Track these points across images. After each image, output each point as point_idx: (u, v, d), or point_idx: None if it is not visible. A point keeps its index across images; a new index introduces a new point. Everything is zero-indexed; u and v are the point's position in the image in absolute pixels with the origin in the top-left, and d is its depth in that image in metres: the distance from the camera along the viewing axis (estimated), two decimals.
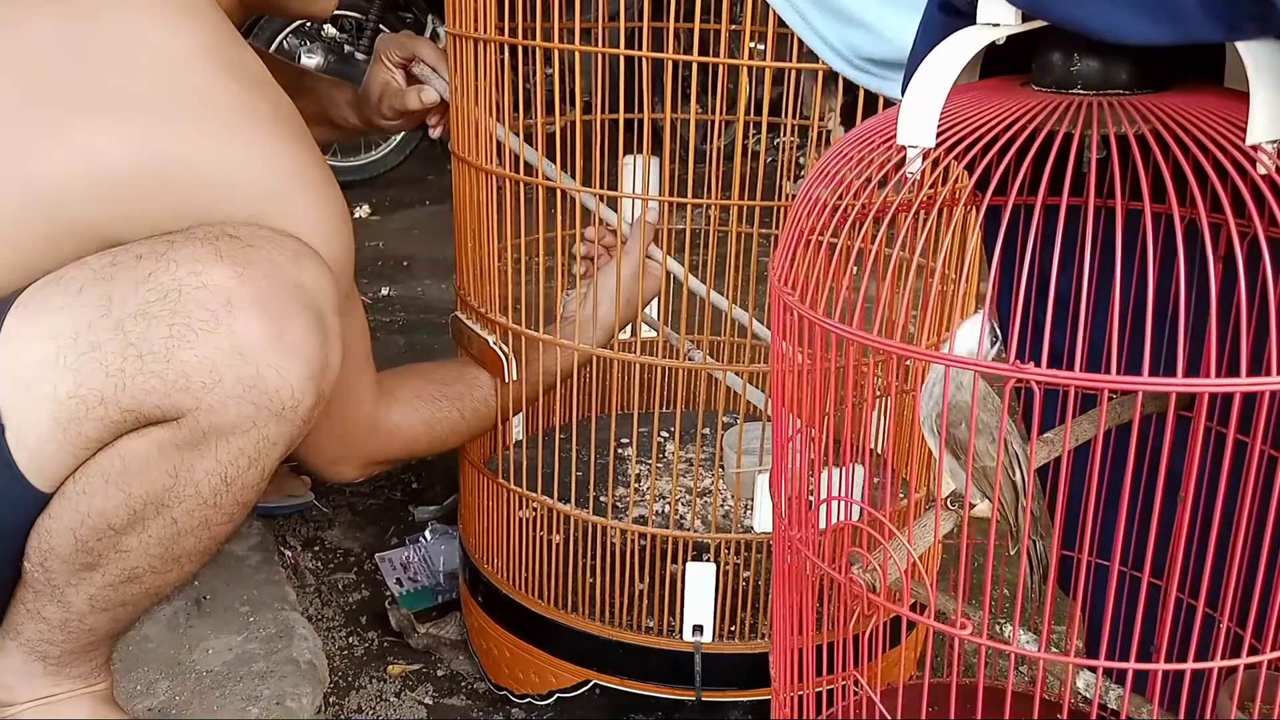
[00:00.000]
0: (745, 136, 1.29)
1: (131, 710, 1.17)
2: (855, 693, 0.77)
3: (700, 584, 1.12)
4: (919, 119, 0.61)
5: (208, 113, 0.93)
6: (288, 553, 1.57)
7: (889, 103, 0.91)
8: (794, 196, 0.71)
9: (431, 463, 1.73)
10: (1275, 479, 0.58)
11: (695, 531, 1.16)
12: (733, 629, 1.16)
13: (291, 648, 1.30)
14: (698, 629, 1.13)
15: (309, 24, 3.58)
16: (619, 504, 1.24)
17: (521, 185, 1.11)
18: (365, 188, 3.67)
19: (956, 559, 0.64)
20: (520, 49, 1.05)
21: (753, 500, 1.21)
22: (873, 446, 0.80)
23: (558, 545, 1.17)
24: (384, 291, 2.74)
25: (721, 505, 1.23)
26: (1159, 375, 0.53)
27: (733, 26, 1.09)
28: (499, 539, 1.23)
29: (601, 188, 1.08)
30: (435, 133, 1.34)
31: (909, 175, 0.62)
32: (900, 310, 0.70)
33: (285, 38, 3.59)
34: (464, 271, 1.22)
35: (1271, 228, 0.54)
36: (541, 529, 1.18)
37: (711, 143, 1.15)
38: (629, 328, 1.27)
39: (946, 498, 0.74)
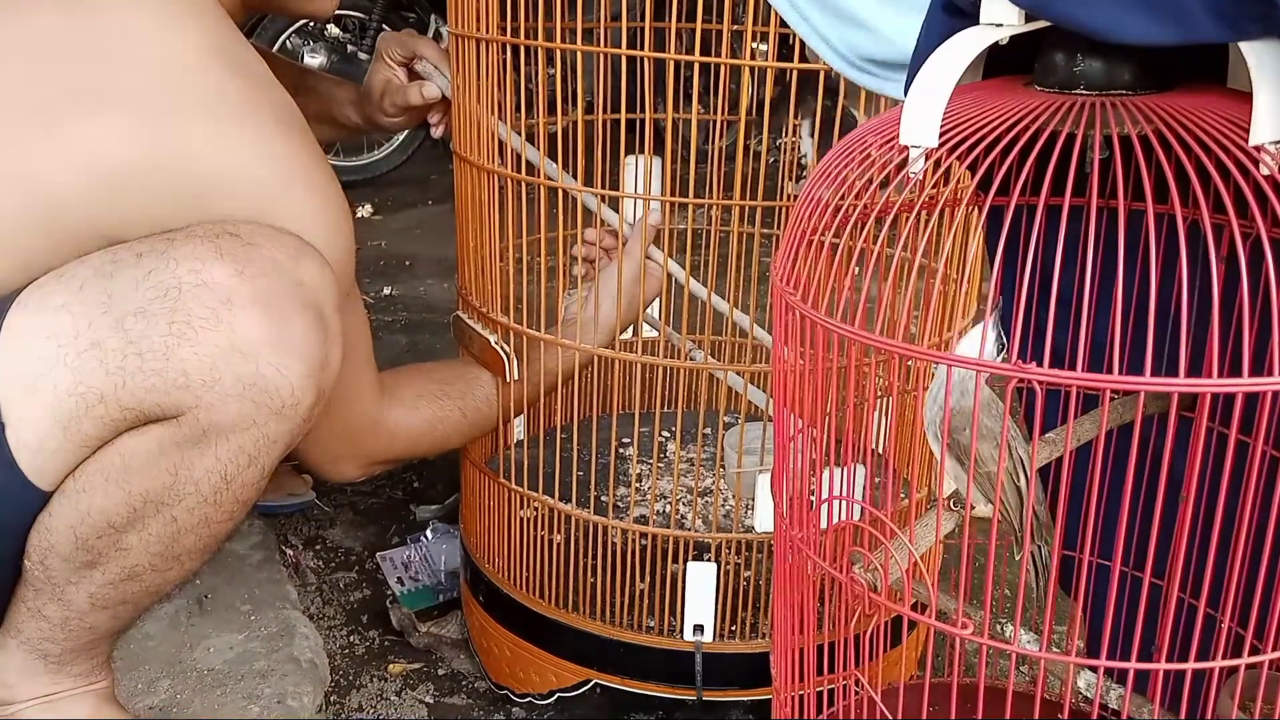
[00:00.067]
0: (747, 137, 1.29)
1: (132, 708, 1.17)
2: (856, 692, 0.77)
3: (701, 584, 1.12)
4: (922, 119, 0.60)
5: (209, 111, 0.93)
6: (289, 551, 1.57)
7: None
8: (796, 197, 0.71)
9: (433, 462, 1.73)
10: (1277, 478, 0.58)
11: (696, 531, 1.16)
12: (733, 629, 1.16)
13: (293, 646, 1.30)
14: (698, 628, 1.13)
15: (312, 24, 3.58)
16: (620, 504, 1.24)
17: (523, 185, 1.11)
18: (368, 187, 3.67)
19: (958, 559, 0.64)
20: (522, 49, 1.05)
21: (754, 500, 1.21)
22: (874, 446, 0.80)
23: (559, 545, 1.18)
24: (386, 291, 2.74)
25: (722, 505, 1.23)
26: (1161, 375, 0.52)
27: (735, 27, 1.09)
28: (500, 539, 1.23)
29: (603, 188, 1.08)
30: (437, 132, 1.34)
31: (912, 175, 0.62)
32: (902, 310, 0.70)
33: (288, 37, 3.59)
34: (465, 271, 1.22)
35: (1274, 228, 0.54)
36: (542, 529, 1.18)
37: (713, 143, 1.15)
38: (630, 328, 1.28)
39: (948, 498, 0.74)
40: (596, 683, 1.18)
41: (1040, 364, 0.54)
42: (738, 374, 1.34)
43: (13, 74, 0.91)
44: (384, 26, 3.67)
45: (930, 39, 0.67)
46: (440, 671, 1.36)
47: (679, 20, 1.09)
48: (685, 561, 1.12)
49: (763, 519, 1.14)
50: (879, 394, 0.85)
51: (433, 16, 3.81)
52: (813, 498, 0.72)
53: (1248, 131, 0.55)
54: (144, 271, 0.87)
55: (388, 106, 1.34)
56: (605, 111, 1.09)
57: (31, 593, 0.95)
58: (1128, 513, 0.59)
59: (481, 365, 1.20)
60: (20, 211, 0.90)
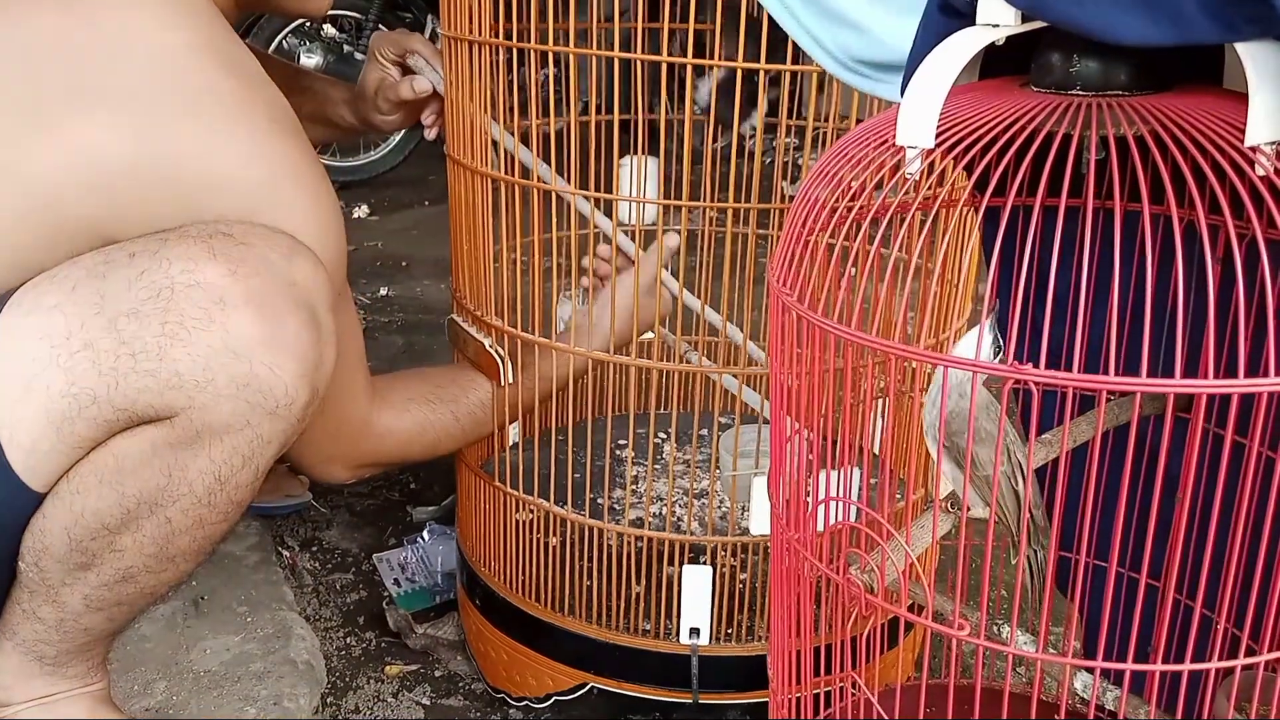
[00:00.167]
0: (746, 138, 1.29)
1: (129, 710, 1.17)
2: (853, 694, 0.77)
3: (697, 586, 1.12)
4: (918, 119, 0.60)
5: (203, 110, 0.93)
6: (286, 553, 1.57)
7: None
8: (792, 198, 0.71)
9: (429, 463, 1.73)
10: (1273, 480, 0.58)
11: (692, 534, 1.16)
12: (730, 631, 1.16)
13: (289, 648, 1.30)
14: (694, 631, 1.13)
15: (308, 24, 3.58)
16: (616, 506, 1.24)
17: (517, 188, 1.11)
18: (364, 188, 3.67)
19: (954, 560, 0.64)
20: (515, 51, 1.05)
21: (749, 503, 1.21)
22: (871, 447, 0.80)
23: (555, 548, 1.17)
24: (383, 292, 2.74)
25: (718, 507, 1.22)
26: (1157, 376, 0.52)
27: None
28: (496, 542, 1.22)
29: (597, 190, 1.07)
30: (431, 134, 1.34)
31: (908, 176, 0.62)
32: (899, 311, 0.70)
33: (285, 38, 3.59)
34: (459, 274, 1.22)
35: (1270, 229, 0.54)
36: (538, 532, 1.18)
37: (706, 144, 1.15)
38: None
39: (944, 499, 0.73)
40: (593, 686, 1.18)
41: (1036, 365, 0.54)
42: (733, 376, 1.34)
43: (11, 72, 0.91)
44: (380, 26, 3.67)
45: (927, 39, 0.67)
46: (437, 673, 1.35)
47: (672, 20, 1.09)
48: (681, 564, 1.12)
49: (758, 522, 1.14)
50: (876, 395, 0.85)
51: (429, 16, 3.81)
52: (809, 499, 0.72)
53: (1243, 132, 0.55)
54: (137, 271, 0.87)
55: (381, 104, 1.34)
56: (601, 113, 1.09)
57: (26, 594, 0.95)
58: (1124, 513, 0.59)
59: (476, 369, 1.19)
60: (15, 209, 0.90)
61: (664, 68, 1.00)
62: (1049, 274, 0.56)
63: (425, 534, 1.54)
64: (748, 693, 1.17)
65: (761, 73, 0.97)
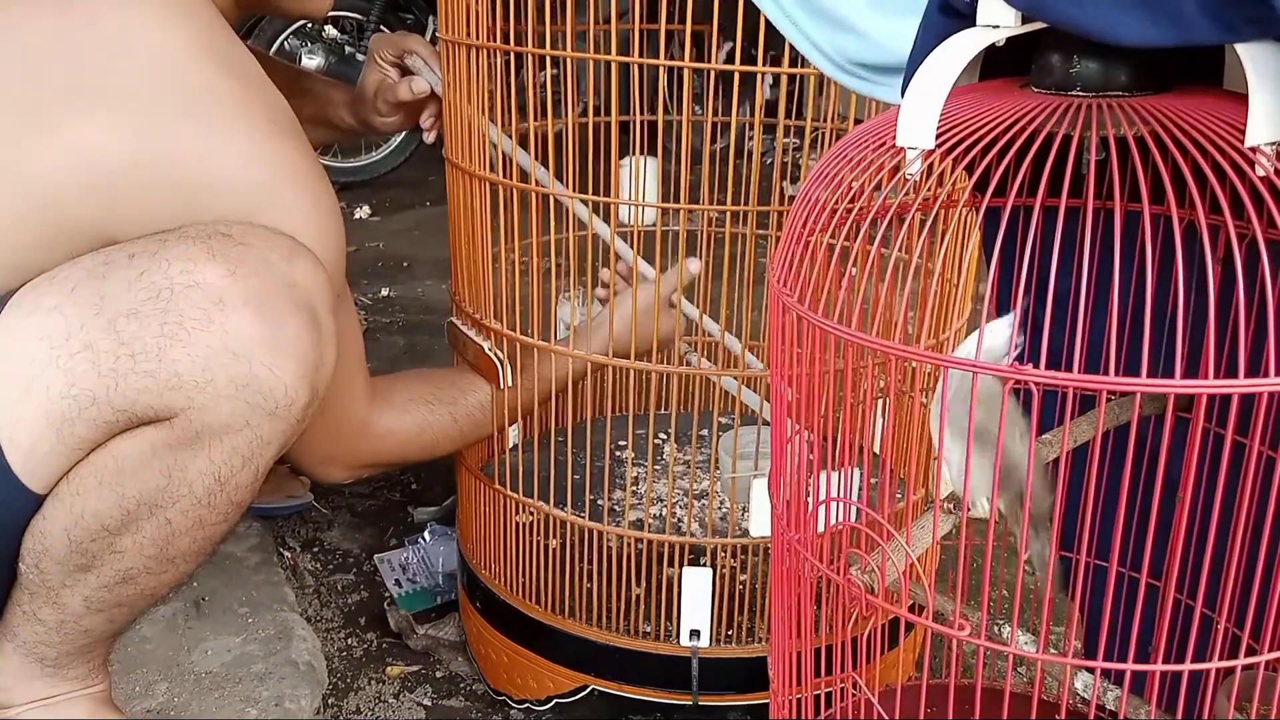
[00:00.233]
0: (745, 138, 1.29)
1: (130, 712, 1.17)
2: (854, 694, 0.77)
3: (697, 588, 1.12)
4: (919, 120, 0.60)
5: (202, 110, 0.93)
6: (287, 554, 1.57)
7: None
8: (793, 199, 0.71)
9: (430, 464, 1.73)
10: (1273, 480, 0.58)
11: (692, 536, 1.16)
12: (730, 633, 1.16)
13: (290, 649, 1.30)
14: (695, 633, 1.13)
15: (310, 25, 3.58)
16: (616, 508, 1.24)
17: (515, 191, 1.11)
18: (366, 189, 3.67)
19: (955, 560, 0.64)
20: (513, 54, 1.05)
21: (749, 504, 1.21)
22: (872, 448, 0.80)
23: (555, 550, 1.17)
24: (384, 292, 2.75)
25: (719, 509, 1.22)
26: (1157, 376, 0.52)
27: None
28: (496, 545, 1.22)
29: (596, 193, 1.07)
30: (429, 137, 1.34)
31: (908, 177, 0.62)
32: (899, 311, 0.70)
33: (286, 39, 3.59)
34: (459, 277, 1.22)
35: (1270, 229, 0.54)
36: (538, 534, 1.18)
37: (705, 145, 1.15)
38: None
39: (945, 499, 0.73)
40: (594, 688, 1.18)
41: (1037, 365, 0.54)
42: (733, 378, 1.34)
43: (11, 72, 0.91)
44: (381, 28, 3.67)
45: (927, 40, 0.67)
46: (438, 674, 1.35)
47: (670, 22, 1.09)
48: (681, 566, 1.12)
49: (758, 523, 1.14)
50: (876, 395, 0.85)
51: (430, 18, 3.81)
52: (809, 499, 0.71)
53: (1243, 133, 0.55)
54: (136, 272, 0.87)
55: (380, 106, 1.34)
56: (600, 115, 1.09)
57: (26, 596, 0.95)
58: (1125, 513, 0.59)
59: (476, 372, 1.19)
60: (15, 210, 0.90)
61: (662, 71, 1.00)
62: (1049, 274, 0.56)
63: (426, 535, 1.54)
64: (748, 694, 1.17)
65: (760, 61, 0.97)
